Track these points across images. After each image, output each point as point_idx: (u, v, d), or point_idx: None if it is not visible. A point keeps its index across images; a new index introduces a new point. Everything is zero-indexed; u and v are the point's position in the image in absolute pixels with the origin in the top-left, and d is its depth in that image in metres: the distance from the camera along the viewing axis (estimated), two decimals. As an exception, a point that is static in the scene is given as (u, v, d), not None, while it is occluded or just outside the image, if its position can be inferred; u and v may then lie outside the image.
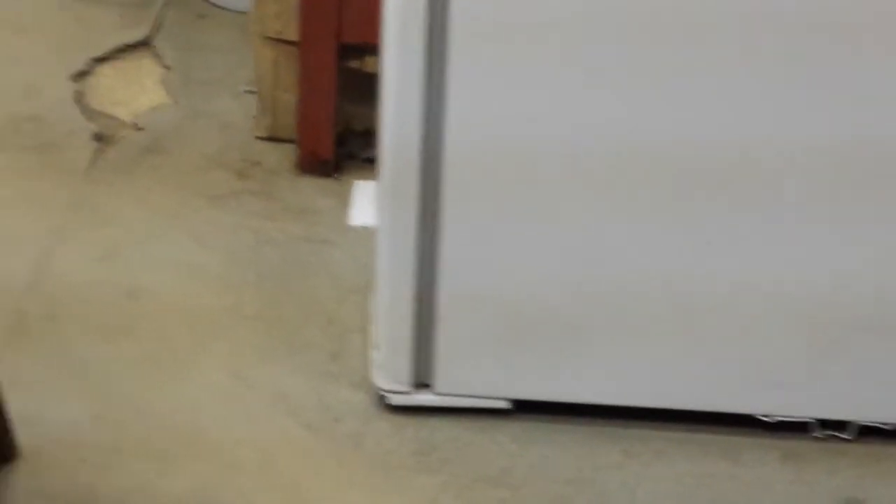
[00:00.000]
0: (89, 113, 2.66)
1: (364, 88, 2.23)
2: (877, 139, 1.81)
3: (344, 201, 2.44)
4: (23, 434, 1.88)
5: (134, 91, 2.73)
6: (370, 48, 2.19)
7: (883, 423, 1.96)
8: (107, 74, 2.78)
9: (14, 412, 1.86)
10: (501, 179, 1.85)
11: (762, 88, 1.79)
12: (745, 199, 1.85)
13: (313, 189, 2.47)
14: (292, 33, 2.43)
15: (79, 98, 2.70)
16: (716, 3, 1.74)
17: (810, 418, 1.97)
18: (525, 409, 1.98)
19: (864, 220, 1.86)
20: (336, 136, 2.48)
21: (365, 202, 2.38)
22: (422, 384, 1.97)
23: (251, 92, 2.65)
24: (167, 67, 2.81)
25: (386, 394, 1.98)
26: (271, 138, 2.57)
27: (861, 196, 1.85)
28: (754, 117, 1.81)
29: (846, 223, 1.87)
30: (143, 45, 2.88)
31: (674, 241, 1.88)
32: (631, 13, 1.75)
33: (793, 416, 1.97)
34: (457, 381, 1.97)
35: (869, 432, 1.98)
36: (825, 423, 1.98)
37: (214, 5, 3.01)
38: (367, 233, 2.24)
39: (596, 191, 1.85)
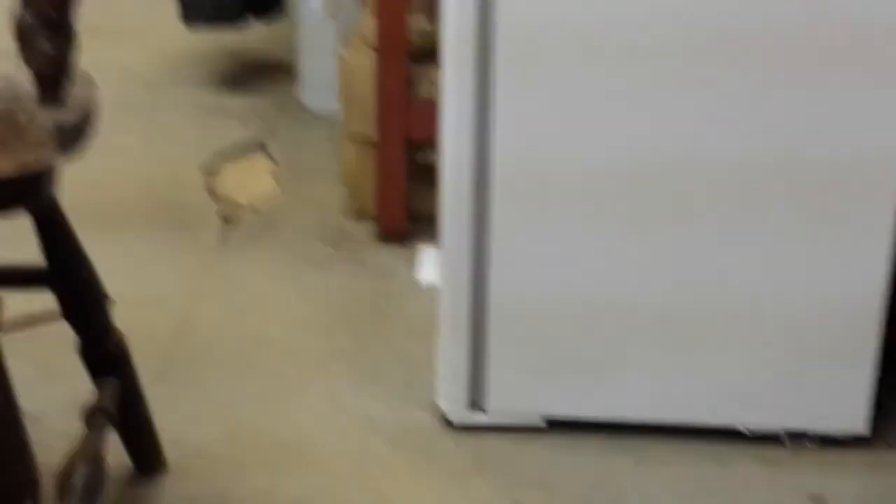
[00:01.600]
0: (217, 199, 2.72)
1: (429, 175, 2.25)
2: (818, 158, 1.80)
3: (415, 264, 2.48)
4: (170, 452, 1.92)
5: (251, 181, 2.79)
6: (433, 143, 2.14)
7: (840, 434, 1.98)
8: (230, 169, 2.83)
9: (164, 434, 1.91)
10: (536, 227, 1.88)
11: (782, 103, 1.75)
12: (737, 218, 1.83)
13: (391, 256, 2.51)
14: (372, 134, 2.51)
15: (208, 187, 2.76)
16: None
17: (781, 429, 1.98)
18: (556, 425, 2.00)
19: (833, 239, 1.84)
20: (407, 214, 2.54)
21: (430, 265, 2.42)
22: (477, 407, 2.00)
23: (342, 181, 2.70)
24: (276, 162, 2.88)
25: (449, 415, 2.01)
26: (358, 216, 2.63)
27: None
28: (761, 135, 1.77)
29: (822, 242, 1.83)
30: (257, 145, 2.95)
31: (688, 266, 1.85)
32: (659, 35, 1.74)
33: (767, 428, 1.98)
34: (504, 405, 1.98)
35: (828, 441, 2.00)
36: (793, 434, 1.99)
37: (313, 113, 3.09)
38: (432, 289, 2.28)
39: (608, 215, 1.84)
